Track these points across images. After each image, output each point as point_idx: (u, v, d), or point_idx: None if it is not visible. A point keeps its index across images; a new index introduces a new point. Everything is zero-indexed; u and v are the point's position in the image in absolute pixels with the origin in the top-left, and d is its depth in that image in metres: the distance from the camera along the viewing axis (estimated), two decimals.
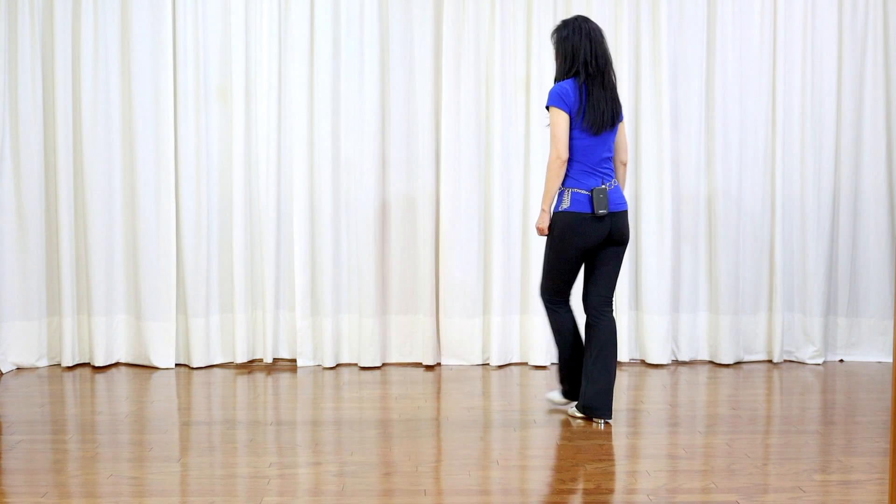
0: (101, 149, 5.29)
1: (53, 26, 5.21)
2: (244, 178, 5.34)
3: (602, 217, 4.06)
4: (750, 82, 5.44)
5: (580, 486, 3.31)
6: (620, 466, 3.55)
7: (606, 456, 3.66)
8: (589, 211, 4.04)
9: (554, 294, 4.22)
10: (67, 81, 5.24)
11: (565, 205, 4.07)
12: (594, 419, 4.15)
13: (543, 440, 3.91)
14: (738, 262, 5.46)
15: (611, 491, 3.26)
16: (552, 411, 4.37)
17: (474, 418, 4.25)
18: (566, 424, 4.13)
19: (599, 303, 4.18)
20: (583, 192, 4.06)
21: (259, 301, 5.40)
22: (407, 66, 5.38)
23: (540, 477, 3.46)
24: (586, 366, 4.14)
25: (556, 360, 5.46)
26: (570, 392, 4.35)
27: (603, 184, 4.09)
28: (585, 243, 4.08)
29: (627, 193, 5.41)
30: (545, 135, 5.32)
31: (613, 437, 3.95)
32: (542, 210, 4.10)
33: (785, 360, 5.53)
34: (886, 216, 5.50)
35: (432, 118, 5.38)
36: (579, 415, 4.20)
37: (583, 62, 4.06)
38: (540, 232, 4.13)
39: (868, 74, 5.46)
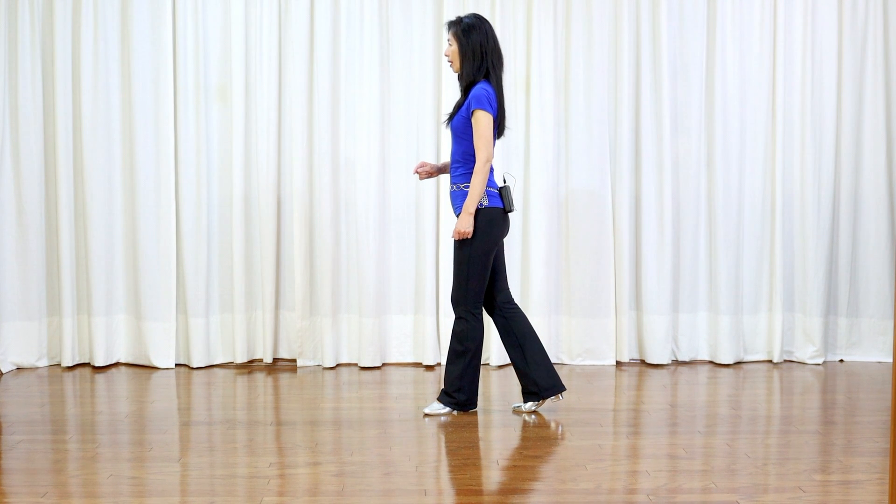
0: (101, 149, 5.28)
1: (53, 26, 5.21)
2: (244, 178, 5.34)
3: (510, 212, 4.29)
4: (750, 82, 5.44)
5: (580, 486, 3.31)
6: (620, 466, 3.55)
7: (606, 456, 3.66)
8: (502, 206, 4.21)
9: (477, 298, 4.24)
10: (67, 82, 5.24)
11: (485, 202, 4.18)
12: (554, 397, 4.32)
13: (543, 440, 3.91)
14: (738, 262, 5.46)
15: (611, 491, 3.26)
16: (553, 412, 4.37)
17: (474, 418, 4.25)
18: (566, 424, 4.13)
19: (509, 296, 4.37)
20: (494, 189, 4.23)
21: (259, 301, 5.40)
22: (407, 66, 5.38)
23: (540, 477, 3.46)
24: (519, 360, 4.29)
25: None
26: (468, 401, 4.31)
27: (505, 182, 4.34)
28: (501, 238, 4.27)
29: (627, 192, 5.42)
30: (545, 135, 5.32)
31: (613, 437, 3.95)
32: (468, 213, 4.13)
33: (785, 360, 5.52)
34: (886, 216, 5.50)
35: (432, 118, 5.38)
36: (532, 407, 4.33)
37: (491, 64, 4.20)
38: (461, 236, 4.15)
39: (868, 74, 5.46)
